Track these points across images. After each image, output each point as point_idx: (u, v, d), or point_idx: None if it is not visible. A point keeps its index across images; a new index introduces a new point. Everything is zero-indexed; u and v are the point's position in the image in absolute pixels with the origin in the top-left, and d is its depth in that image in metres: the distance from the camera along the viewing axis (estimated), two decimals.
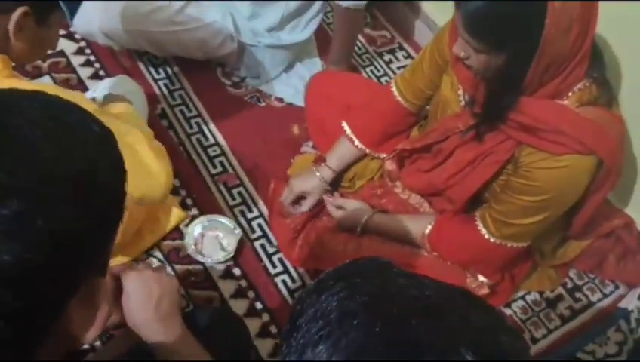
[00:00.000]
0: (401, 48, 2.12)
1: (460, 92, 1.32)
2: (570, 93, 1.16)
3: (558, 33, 1.02)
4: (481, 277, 1.41)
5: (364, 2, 1.71)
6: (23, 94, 0.51)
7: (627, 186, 1.63)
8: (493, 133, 1.25)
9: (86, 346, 0.47)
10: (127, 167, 0.54)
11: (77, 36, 1.84)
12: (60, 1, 1.02)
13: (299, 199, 1.52)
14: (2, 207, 0.42)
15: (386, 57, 2.09)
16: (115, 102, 1.32)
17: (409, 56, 2.09)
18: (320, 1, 1.77)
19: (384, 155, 1.53)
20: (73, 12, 1.02)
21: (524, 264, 1.50)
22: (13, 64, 1.01)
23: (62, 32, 1.80)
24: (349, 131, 1.53)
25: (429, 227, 1.40)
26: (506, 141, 1.23)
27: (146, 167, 1.11)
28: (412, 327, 0.43)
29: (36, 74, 1.74)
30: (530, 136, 1.18)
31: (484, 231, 1.33)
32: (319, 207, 1.53)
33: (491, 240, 1.32)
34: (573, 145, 1.14)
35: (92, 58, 1.83)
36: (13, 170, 0.44)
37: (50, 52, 1.82)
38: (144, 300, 0.78)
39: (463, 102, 1.32)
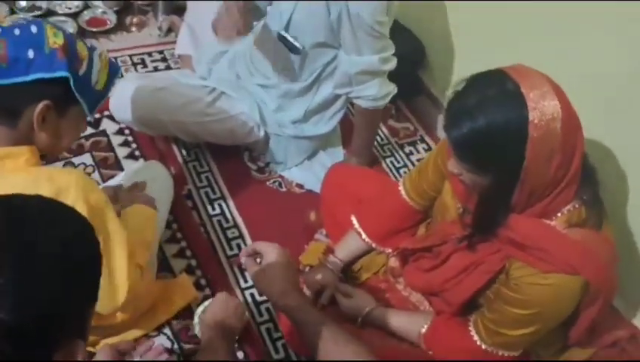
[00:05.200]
0: (423, 141, 2.21)
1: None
2: (559, 214, 1.21)
3: (538, 163, 1.09)
4: None
5: (383, 103, 1.82)
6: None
7: (635, 297, 1.63)
8: (485, 244, 1.31)
9: None
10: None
11: None
12: (78, 96, 1.12)
13: (318, 292, 1.59)
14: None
15: (407, 149, 2.18)
16: (137, 204, 1.45)
17: (429, 148, 2.17)
18: (343, 98, 1.89)
19: (390, 250, 1.60)
20: (92, 106, 1.17)
21: None
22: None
23: (106, 112, 1.98)
24: (357, 225, 1.61)
25: (426, 326, 1.44)
26: (498, 253, 1.28)
27: (110, 276, 1.18)
28: None
29: (79, 152, 1.91)
30: (519, 252, 1.23)
31: (476, 337, 1.36)
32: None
33: (483, 347, 1.35)
34: (560, 265, 1.18)
35: (130, 139, 1.99)
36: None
37: (92, 131, 2.00)
38: None
39: (460, 210, 1.39)
